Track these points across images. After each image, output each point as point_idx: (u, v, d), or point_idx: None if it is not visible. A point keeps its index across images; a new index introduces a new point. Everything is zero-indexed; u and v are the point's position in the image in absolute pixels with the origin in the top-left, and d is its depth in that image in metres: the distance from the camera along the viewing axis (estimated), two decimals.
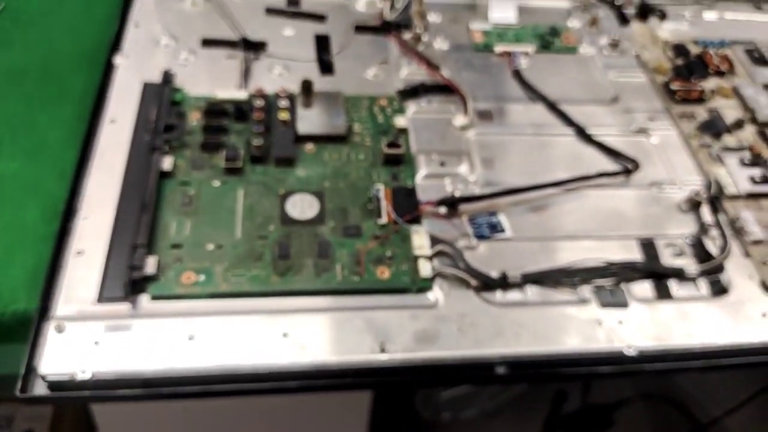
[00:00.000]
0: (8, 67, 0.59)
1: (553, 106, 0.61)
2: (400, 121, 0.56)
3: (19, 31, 0.63)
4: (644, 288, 0.48)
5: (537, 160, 0.57)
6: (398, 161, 0.53)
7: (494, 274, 0.47)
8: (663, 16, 0.74)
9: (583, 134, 0.59)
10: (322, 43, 0.65)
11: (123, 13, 0.64)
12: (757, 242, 0.52)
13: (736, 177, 0.57)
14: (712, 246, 0.52)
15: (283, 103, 0.55)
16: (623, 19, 0.73)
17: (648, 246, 0.51)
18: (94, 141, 0.52)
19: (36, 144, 0.53)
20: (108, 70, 0.58)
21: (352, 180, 0.52)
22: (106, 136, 0.53)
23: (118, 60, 0.59)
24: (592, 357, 0.44)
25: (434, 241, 0.48)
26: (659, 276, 0.49)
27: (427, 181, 0.53)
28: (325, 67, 0.62)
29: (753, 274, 0.51)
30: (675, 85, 0.64)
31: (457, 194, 0.51)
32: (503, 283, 0.46)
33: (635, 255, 0.50)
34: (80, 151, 0.51)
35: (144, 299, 0.43)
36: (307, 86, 0.55)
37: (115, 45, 0.60)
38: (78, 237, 0.46)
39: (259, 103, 0.54)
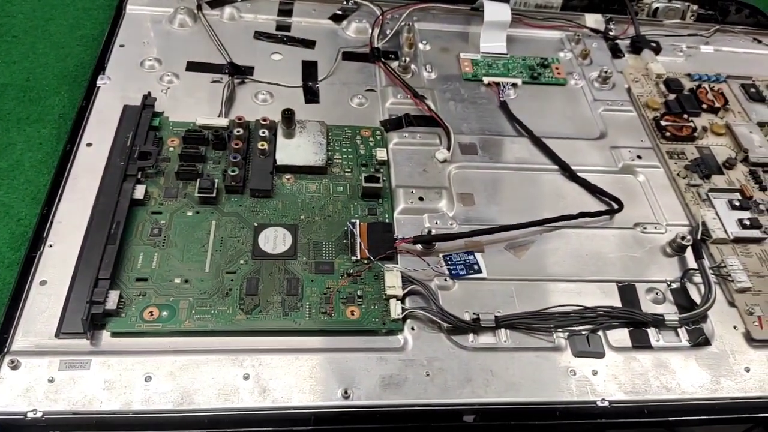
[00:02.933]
0: None
1: (538, 141, 0.60)
2: (381, 154, 0.55)
3: (2, 47, 0.62)
4: (622, 336, 0.47)
5: (519, 197, 0.55)
6: (377, 195, 0.52)
7: (467, 316, 0.46)
8: (657, 49, 0.73)
9: (567, 171, 0.57)
10: (309, 70, 0.64)
11: (109, 34, 0.64)
12: (743, 290, 0.51)
13: (725, 220, 0.55)
14: (696, 293, 0.50)
15: (263, 132, 0.54)
16: (616, 52, 0.72)
17: (628, 291, 0.50)
18: (69, 165, 0.52)
19: (10, 165, 0.53)
20: (90, 91, 0.58)
21: (329, 213, 0.51)
22: (81, 161, 0.52)
23: (100, 81, 0.58)
24: (562, 409, 0.43)
25: (407, 280, 0.47)
26: (638, 324, 0.47)
27: (404, 216, 0.52)
28: (310, 94, 0.61)
29: (738, 324, 0.49)
30: (665, 121, 0.63)
31: (434, 232, 0.50)
32: (475, 326, 0.45)
33: (614, 300, 0.49)
34: (53, 176, 0.50)
35: (105, 335, 0.42)
36: (288, 115, 0.54)
37: (99, 65, 0.60)
38: (43, 265, 0.45)
39: (238, 131, 0.53)
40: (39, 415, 0.38)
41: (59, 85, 0.60)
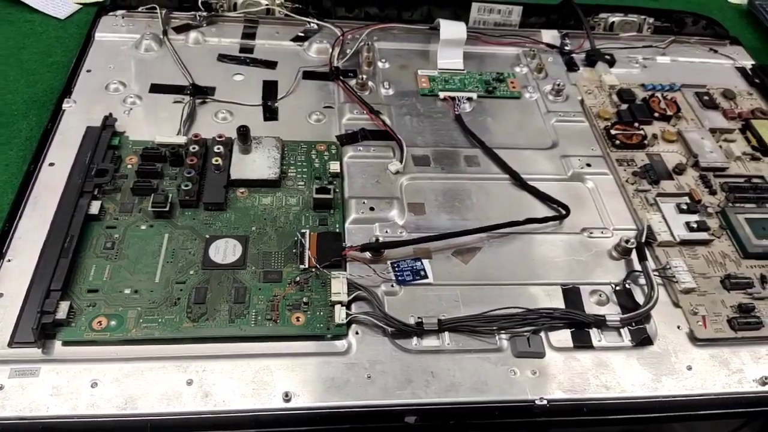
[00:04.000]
0: None
1: (489, 152, 0.61)
2: (334, 167, 0.57)
3: None
4: (564, 336, 0.48)
5: (469, 206, 0.57)
6: (328, 206, 0.54)
7: (412, 320, 0.47)
8: (612, 62, 0.75)
9: (517, 179, 0.59)
10: (270, 89, 0.66)
11: (77, 60, 0.66)
12: (688, 291, 0.52)
13: (672, 223, 0.57)
14: (641, 294, 0.52)
15: (218, 148, 0.56)
16: (572, 66, 0.74)
17: (572, 293, 0.51)
18: (31, 184, 0.54)
19: None
20: (55, 114, 0.60)
21: (281, 224, 0.52)
22: (43, 179, 0.54)
23: (66, 104, 0.61)
24: (502, 408, 0.43)
25: (353, 286, 0.48)
26: (579, 325, 0.48)
27: (355, 225, 0.54)
28: (269, 112, 0.63)
29: (682, 324, 0.50)
30: (615, 130, 0.65)
31: (381, 240, 0.52)
32: (419, 329, 0.46)
33: (559, 302, 0.50)
34: (16, 194, 0.52)
35: (57, 344, 0.44)
36: (243, 132, 0.56)
37: (66, 90, 0.62)
38: (1, 280, 0.47)
39: (193, 148, 0.55)
40: None
41: (28, 109, 0.62)
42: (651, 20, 0.81)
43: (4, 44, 0.70)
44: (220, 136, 0.57)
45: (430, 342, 0.47)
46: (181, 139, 0.57)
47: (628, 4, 0.88)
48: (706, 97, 0.72)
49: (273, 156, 0.57)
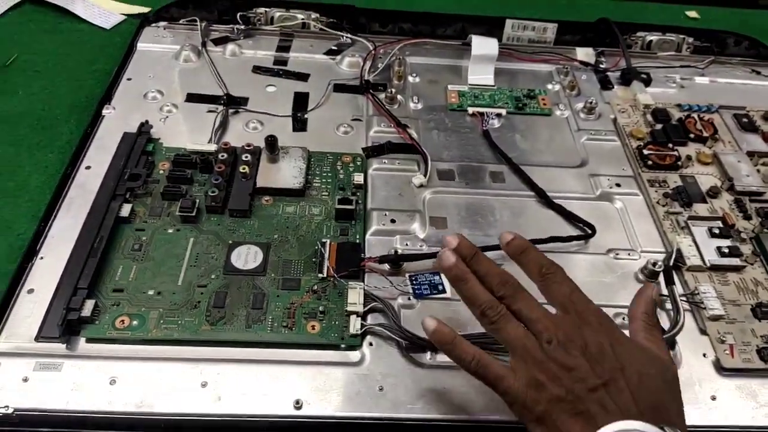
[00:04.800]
0: (7, 113, 0.64)
1: (516, 168, 0.61)
2: (358, 178, 0.57)
3: (24, 80, 0.68)
4: None
5: (492, 222, 0.56)
6: (350, 217, 0.54)
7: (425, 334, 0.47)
8: (648, 81, 0.74)
9: (543, 197, 0.58)
10: (300, 101, 0.68)
11: (119, 68, 0.69)
12: (716, 318, 0.50)
13: (703, 248, 0.55)
14: (666, 319, 0.50)
15: (246, 156, 0.57)
16: (606, 84, 0.73)
17: None
18: (67, 186, 0.56)
19: (17, 186, 0.57)
20: (95, 119, 0.63)
21: (302, 233, 0.53)
22: (79, 182, 0.56)
23: (105, 111, 0.63)
24: (516, 429, 0.43)
25: (370, 298, 0.48)
26: None
27: (376, 237, 0.54)
28: (299, 123, 0.65)
29: (708, 352, 0.48)
30: (648, 150, 0.64)
31: (401, 252, 0.52)
32: (433, 344, 0.46)
33: None
34: (52, 195, 0.55)
35: (81, 341, 0.45)
36: (270, 141, 0.58)
37: (106, 97, 0.65)
38: (32, 276, 0.49)
39: (222, 156, 0.57)
40: (10, 411, 0.41)
41: (70, 114, 0.65)
42: (690, 40, 0.79)
43: (54, 51, 0.73)
44: (248, 145, 0.58)
45: (444, 357, 0.46)
46: (212, 147, 0.58)
47: (667, 23, 0.87)
48: (745, 120, 0.69)
49: (299, 166, 0.58)
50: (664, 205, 0.59)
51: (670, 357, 0.40)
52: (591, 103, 0.68)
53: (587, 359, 0.37)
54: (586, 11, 0.89)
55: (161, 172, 0.57)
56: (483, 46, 0.72)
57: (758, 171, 0.63)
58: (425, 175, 0.59)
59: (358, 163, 0.60)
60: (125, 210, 0.52)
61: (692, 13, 0.92)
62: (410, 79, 0.72)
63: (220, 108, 0.65)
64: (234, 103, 0.66)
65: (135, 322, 0.46)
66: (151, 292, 0.48)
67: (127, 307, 0.47)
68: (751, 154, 0.65)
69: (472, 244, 0.42)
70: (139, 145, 0.58)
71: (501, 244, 0.44)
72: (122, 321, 0.45)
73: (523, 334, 0.38)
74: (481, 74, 0.72)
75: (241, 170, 0.56)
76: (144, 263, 0.50)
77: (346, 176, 0.58)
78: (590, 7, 0.91)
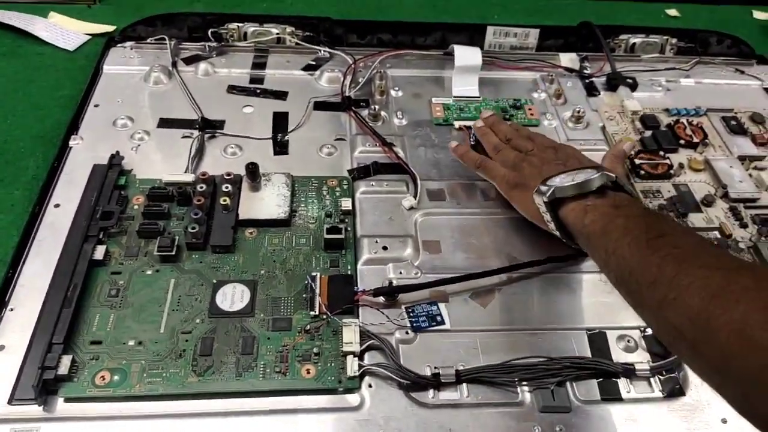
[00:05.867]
0: None
1: None
2: (345, 204, 0.55)
3: None
4: (590, 388, 0.45)
5: (487, 243, 0.54)
6: (339, 246, 0.52)
7: (428, 370, 0.45)
8: (634, 85, 0.72)
9: None
10: (280, 121, 0.65)
11: (85, 94, 0.65)
12: None
13: None
14: None
15: (227, 187, 0.54)
16: (591, 90, 0.72)
17: (598, 339, 0.48)
18: (36, 227, 0.52)
19: None
20: (62, 151, 0.59)
21: (290, 266, 0.50)
22: (48, 222, 0.53)
23: (73, 141, 0.60)
24: None
25: (366, 335, 0.46)
26: (607, 374, 0.46)
27: (368, 266, 0.51)
28: (279, 146, 0.62)
29: None
30: (639, 159, 0.62)
31: (397, 282, 0.50)
32: (435, 382, 0.44)
33: (584, 348, 0.47)
34: (20, 238, 0.51)
35: (59, 401, 0.42)
36: (251, 169, 0.55)
37: (73, 126, 0.61)
38: (2, 331, 0.45)
39: (201, 187, 0.54)
40: None
41: (34, 146, 0.61)
42: (674, 41, 0.78)
43: (14, 78, 0.69)
44: (228, 174, 0.55)
45: (447, 395, 0.44)
46: (189, 177, 0.55)
47: (650, 24, 0.86)
48: (733, 122, 0.68)
49: (283, 193, 0.55)
50: None
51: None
52: (579, 112, 0.67)
53: (556, 155, 0.52)
54: (564, 12, 0.88)
55: (136, 207, 0.53)
56: (466, 56, 0.69)
57: (750, 176, 0.62)
58: (415, 197, 0.57)
59: (345, 187, 0.57)
60: (99, 252, 0.49)
61: (672, 12, 0.91)
62: (393, 93, 0.69)
63: (196, 133, 0.61)
64: (210, 126, 0.63)
65: (116, 377, 0.42)
66: (131, 343, 0.44)
67: (106, 361, 0.43)
68: (742, 159, 0.64)
69: (499, 118, 0.62)
70: (110, 179, 0.55)
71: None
72: (102, 377, 0.42)
73: (515, 153, 0.54)
74: (465, 86, 0.69)
75: (222, 202, 0.53)
76: (122, 310, 0.46)
77: (332, 202, 0.56)
78: (569, 6, 0.90)
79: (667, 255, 0.37)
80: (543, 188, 0.47)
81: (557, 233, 0.48)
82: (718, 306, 0.31)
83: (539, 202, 0.48)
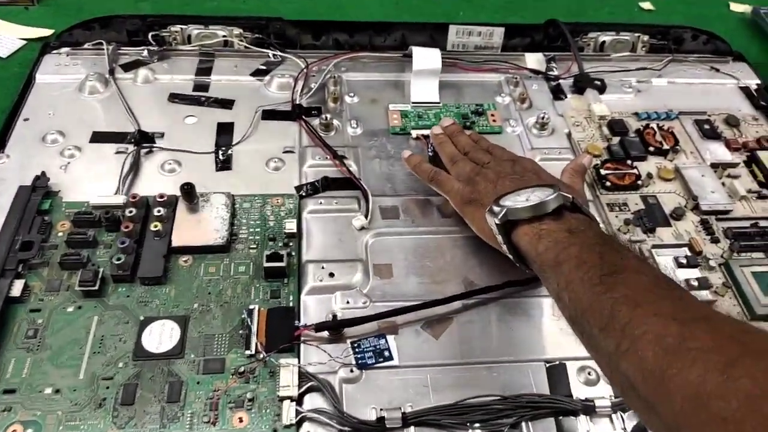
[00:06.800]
0: None
1: None
2: (290, 226, 0.51)
3: None
4: (548, 427, 0.42)
5: (442, 265, 0.51)
6: (281, 275, 0.48)
7: (373, 413, 0.41)
8: (602, 87, 0.69)
9: None
10: (224, 133, 0.60)
11: (15, 106, 0.60)
12: None
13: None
14: None
15: (159, 210, 0.50)
16: (558, 93, 0.68)
17: (558, 372, 0.45)
18: None
19: None
20: None
21: (227, 299, 0.47)
22: None
23: None
24: None
25: (306, 376, 0.42)
26: (565, 412, 0.43)
27: (312, 296, 0.48)
28: (222, 160, 0.58)
29: None
30: (606, 170, 0.59)
31: (342, 314, 0.46)
32: (380, 427, 0.41)
33: (543, 382, 0.44)
34: None
35: None
36: (187, 190, 0.51)
37: None
38: None
39: (130, 212, 0.49)
40: None
41: None
42: (646, 38, 0.74)
43: None
44: (161, 197, 0.51)
45: None
46: (119, 200, 0.51)
47: (623, 19, 0.82)
48: (706, 126, 0.65)
49: (221, 216, 0.51)
50: (626, 233, 0.55)
51: (584, 194, 0.53)
52: (543, 118, 0.63)
53: (513, 168, 0.49)
54: (534, 7, 0.84)
55: (60, 234, 0.49)
56: (425, 59, 0.65)
57: (723, 185, 0.59)
58: (366, 216, 0.53)
59: (291, 206, 0.53)
60: (17, 288, 0.45)
61: (646, 5, 0.87)
62: (347, 99, 0.65)
63: (131, 148, 0.57)
64: (147, 140, 0.58)
65: (30, 431, 0.39)
66: (48, 391, 0.41)
67: (20, 413, 0.39)
68: (715, 166, 0.61)
69: (459, 127, 0.58)
70: (32, 204, 0.50)
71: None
72: (15, 431, 0.39)
73: (472, 165, 0.51)
74: (424, 91, 0.65)
75: (153, 228, 0.49)
76: (40, 353, 0.42)
77: (276, 223, 0.52)
78: (538, 1, 0.86)
79: (620, 297, 0.33)
80: (495, 208, 0.43)
81: (510, 256, 0.44)
82: (673, 365, 0.28)
83: (491, 222, 0.44)
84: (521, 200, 0.44)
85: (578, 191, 0.51)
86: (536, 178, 0.48)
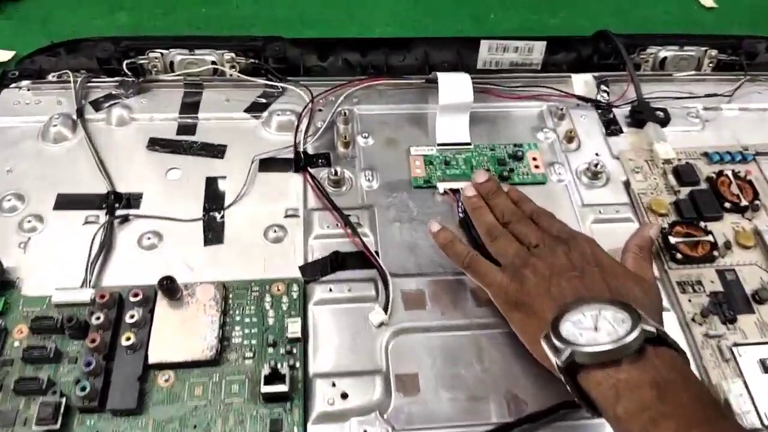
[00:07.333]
0: None
1: None
2: (293, 328, 0.42)
3: None
4: None
5: (479, 374, 0.42)
6: (283, 399, 0.39)
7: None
8: (665, 119, 0.57)
9: None
10: (214, 190, 0.51)
11: None
12: None
13: (758, 394, 0.41)
14: None
15: (132, 315, 0.41)
16: (612, 127, 0.57)
17: None
18: None
19: None
20: None
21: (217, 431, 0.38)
22: None
23: None
24: None
25: None
26: None
27: (321, 425, 0.39)
28: (212, 230, 0.48)
29: None
30: (676, 236, 0.49)
31: None
32: None
33: None
34: None
35: None
36: (168, 286, 0.41)
37: None
38: None
39: (97, 318, 0.40)
40: None
41: None
42: (714, 53, 0.62)
43: None
44: (135, 295, 0.42)
45: None
46: (85, 295, 0.42)
47: (680, 19, 0.70)
48: None
49: (210, 316, 0.42)
50: (701, 323, 0.45)
51: (657, 287, 0.42)
52: (597, 166, 0.52)
53: (569, 258, 0.40)
54: (576, 4, 0.72)
55: (17, 344, 0.41)
56: (452, 90, 0.54)
57: None
58: (386, 309, 0.44)
59: (295, 296, 0.44)
60: None
61: (708, 1, 0.74)
62: (361, 141, 0.55)
63: (102, 217, 0.47)
64: (122, 204, 0.49)
65: None
66: None
67: None
68: None
69: (496, 184, 0.47)
70: None
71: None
72: None
73: (516, 245, 0.43)
74: (452, 130, 0.55)
75: (125, 341, 0.40)
76: None
77: (277, 321, 0.43)
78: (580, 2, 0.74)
79: None
80: (558, 344, 0.34)
81: (575, 399, 0.35)
82: None
83: (551, 357, 0.35)
84: (587, 326, 0.34)
85: (648, 282, 0.41)
86: (600, 279, 0.39)
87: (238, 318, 0.43)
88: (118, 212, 0.48)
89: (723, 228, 0.50)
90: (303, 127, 0.54)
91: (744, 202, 0.51)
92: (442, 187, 0.52)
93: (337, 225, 0.48)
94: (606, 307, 0.35)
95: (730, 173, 0.53)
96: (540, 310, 0.38)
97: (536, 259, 0.41)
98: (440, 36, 0.63)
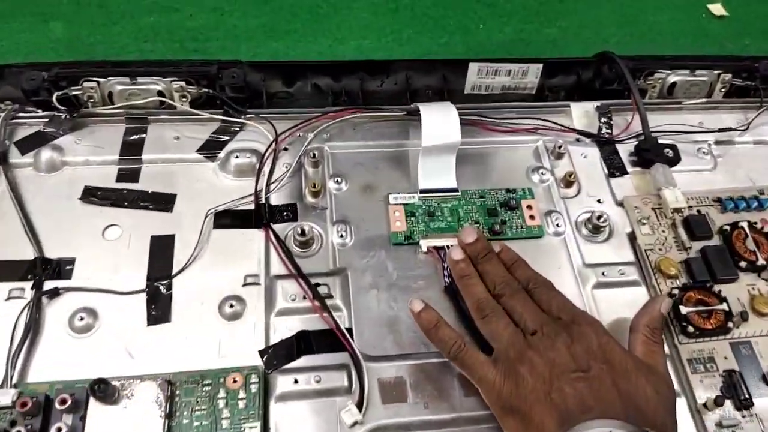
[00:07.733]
0: None
1: None
2: None
3: None
4: None
5: None
6: None
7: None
8: (674, 159, 0.51)
9: None
10: (161, 253, 0.43)
11: None
12: None
13: None
14: None
15: (59, 428, 0.34)
16: (615, 167, 0.51)
17: None
18: None
19: None
20: None
21: None
22: None
23: None
24: None
25: None
26: None
27: None
28: (157, 307, 0.41)
29: None
30: (687, 304, 0.43)
31: None
32: None
33: None
34: None
35: None
36: (100, 392, 0.35)
37: None
38: None
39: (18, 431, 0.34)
40: None
41: None
42: (728, 77, 0.56)
43: None
44: (63, 401, 0.35)
45: None
46: (6, 398, 0.35)
47: (688, 29, 0.63)
48: None
49: (153, 420, 0.36)
50: (712, 410, 0.40)
51: (669, 377, 0.38)
52: (599, 219, 0.46)
53: (571, 353, 0.35)
54: (574, 12, 0.65)
55: None
56: (437, 128, 0.47)
57: None
58: (360, 406, 0.38)
59: (253, 390, 0.38)
60: None
61: (717, 8, 0.67)
62: (332, 188, 0.48)
63: (28, 291, 0.40)
64: (51, 274, 0.41)
65: None
66: None
67: None
68: None
69: (486, 245, 0.42)
70: None
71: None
72: None
73: (511, 328, 0.37)
74: (437, 174, 0.48)
75: None
76: None
77: (233, 425, 0.37)
78: (578, 2, 0.66)
79: None
80: None
81: None
82: None
83: None
84: None
85: (661, 375, 0.37)
86: (609, 383, 0.34)
87: (186, 421, 0.37)
88: (47, 284, 0.41)
89: (738, 291, 0.45)
90: (266, 170, 0.47)
91: (761, 260, 0.46)
92: (425, 245, 0.45)
93: (305, 297, 0.42)
94: (613, 426, 0.31)
95: (745, 225, 0.47)
96: (539, 421, 0.33)
97: (533, 353, 0.36)
98: (423, 49, 0.55)
